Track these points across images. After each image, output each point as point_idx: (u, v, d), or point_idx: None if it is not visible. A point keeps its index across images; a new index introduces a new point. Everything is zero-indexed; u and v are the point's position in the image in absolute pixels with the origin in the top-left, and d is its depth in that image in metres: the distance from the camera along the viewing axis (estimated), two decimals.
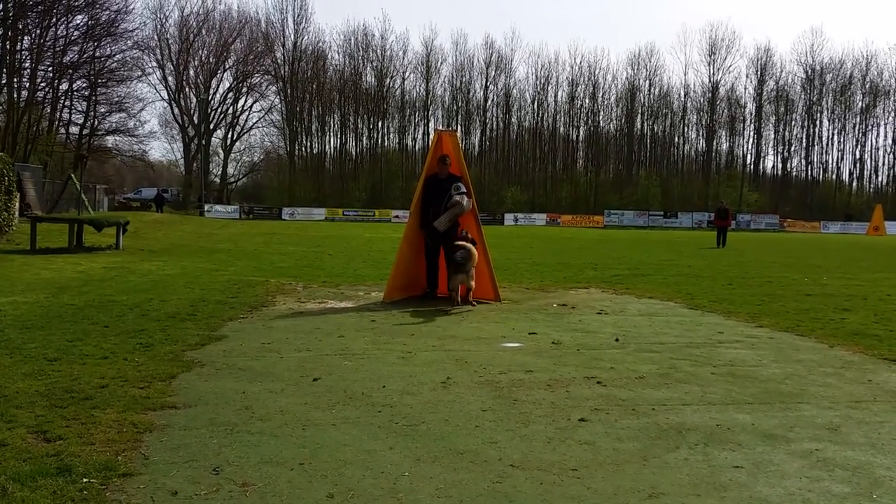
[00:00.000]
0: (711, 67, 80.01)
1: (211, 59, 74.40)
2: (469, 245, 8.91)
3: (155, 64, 70.77)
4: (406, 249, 9.54)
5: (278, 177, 77.23)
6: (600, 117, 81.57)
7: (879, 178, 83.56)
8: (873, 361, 6.11)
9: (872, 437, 4.02)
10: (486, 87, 79.66)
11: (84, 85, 49.18)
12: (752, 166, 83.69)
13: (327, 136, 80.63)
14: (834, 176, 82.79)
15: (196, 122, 74.25)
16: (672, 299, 10.06)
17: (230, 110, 77.04)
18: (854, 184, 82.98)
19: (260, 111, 78.03)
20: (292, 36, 76.50)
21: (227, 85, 75.73)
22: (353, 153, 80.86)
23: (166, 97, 74.20)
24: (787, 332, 7.55)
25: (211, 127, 75.68)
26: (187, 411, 4.17)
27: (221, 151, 78.61)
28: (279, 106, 77.83)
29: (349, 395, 4.61)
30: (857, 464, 3.59)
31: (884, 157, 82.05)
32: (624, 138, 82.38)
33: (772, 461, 3.60)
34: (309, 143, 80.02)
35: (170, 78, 73.54)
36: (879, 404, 4.72)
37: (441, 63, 79.51)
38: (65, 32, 45.32)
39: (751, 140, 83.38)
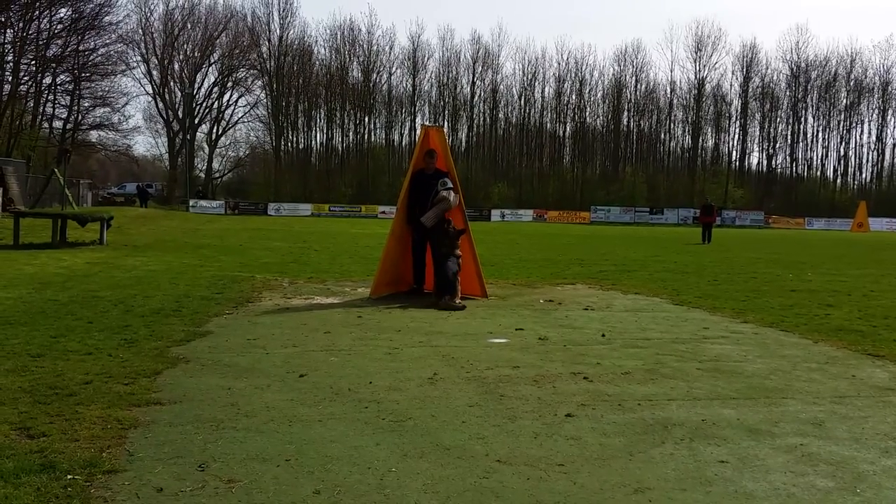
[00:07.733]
0: (697, 64, 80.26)
1: (196, 54, 73.85)
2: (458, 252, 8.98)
3: (139, 58, 70.17)
4: (393, 245, 9.52)
5: (264, 172, 76.74)
6: (587, 113, 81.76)
7: (863, 175, 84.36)
8: (857, 357, 6.16)
9: (856, 432, 4.05)
10: (473, 83, 79.43)
11: (67, 79, 48.86)
12: (737, 163, 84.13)
13: (313, 132, 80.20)
14: (818, 173, 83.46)
15: (181, 116, 73.73)
16: (658, 295, 10.10)
17: (215, 105, 76.53)
18: (838, 180, 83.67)
19: (245, 106, 77.60)
20: (278, 30, 75.97)
21: (213, 79, 75.27)
22: (340, 149, 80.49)
23: (151, 92, 73.73)
24: (772, 327, 7.60)
25: (196, 121, 75.17)
26: (172, 407, 4.14)
27: (206, 146, 78.24)
28: (265, 101, 77.42)
29: (335, 392, 4.60)
30: (840, 458, 3.62)
31: (868, 153, 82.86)
32: (610, 134, 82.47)
33: (757, 456, 3.63)
34: (295, 139, 79.66)
35: (154, 72, 72.98)
36: (863, 399, 4.76)
37: (428, 58, 79.28)
38: (48, 25, 45.01)
39: (736, 137, 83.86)
